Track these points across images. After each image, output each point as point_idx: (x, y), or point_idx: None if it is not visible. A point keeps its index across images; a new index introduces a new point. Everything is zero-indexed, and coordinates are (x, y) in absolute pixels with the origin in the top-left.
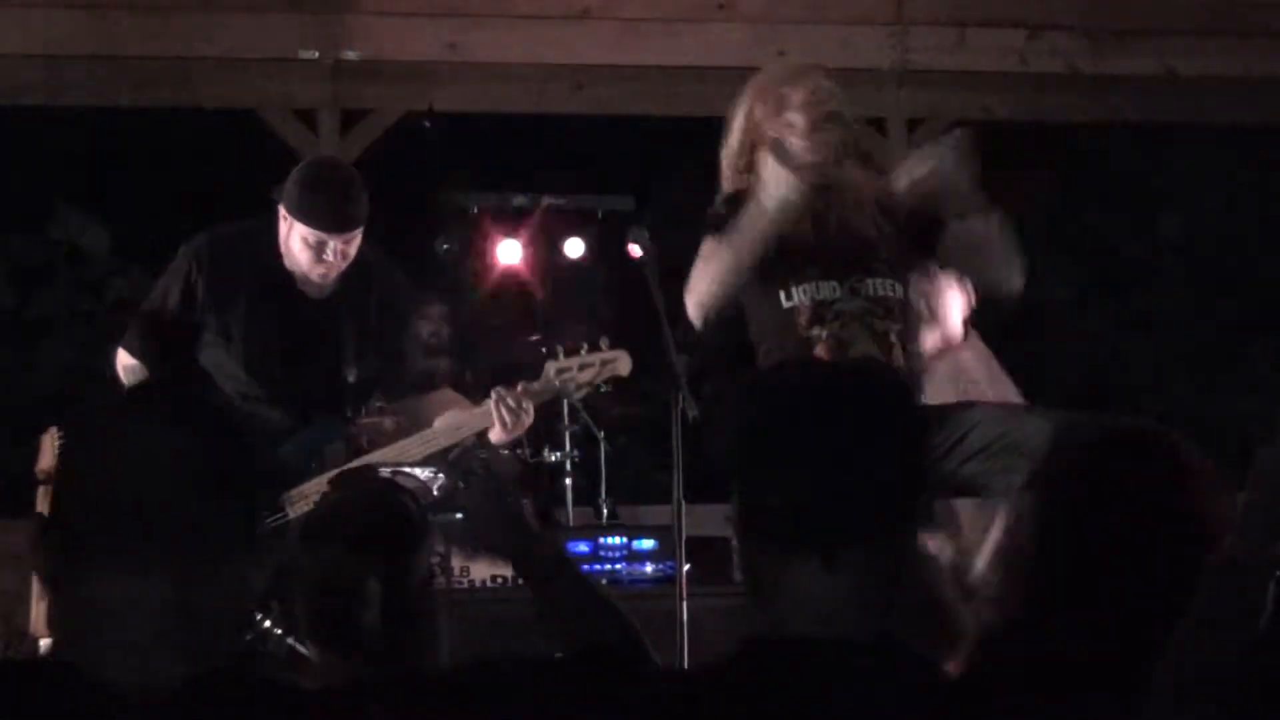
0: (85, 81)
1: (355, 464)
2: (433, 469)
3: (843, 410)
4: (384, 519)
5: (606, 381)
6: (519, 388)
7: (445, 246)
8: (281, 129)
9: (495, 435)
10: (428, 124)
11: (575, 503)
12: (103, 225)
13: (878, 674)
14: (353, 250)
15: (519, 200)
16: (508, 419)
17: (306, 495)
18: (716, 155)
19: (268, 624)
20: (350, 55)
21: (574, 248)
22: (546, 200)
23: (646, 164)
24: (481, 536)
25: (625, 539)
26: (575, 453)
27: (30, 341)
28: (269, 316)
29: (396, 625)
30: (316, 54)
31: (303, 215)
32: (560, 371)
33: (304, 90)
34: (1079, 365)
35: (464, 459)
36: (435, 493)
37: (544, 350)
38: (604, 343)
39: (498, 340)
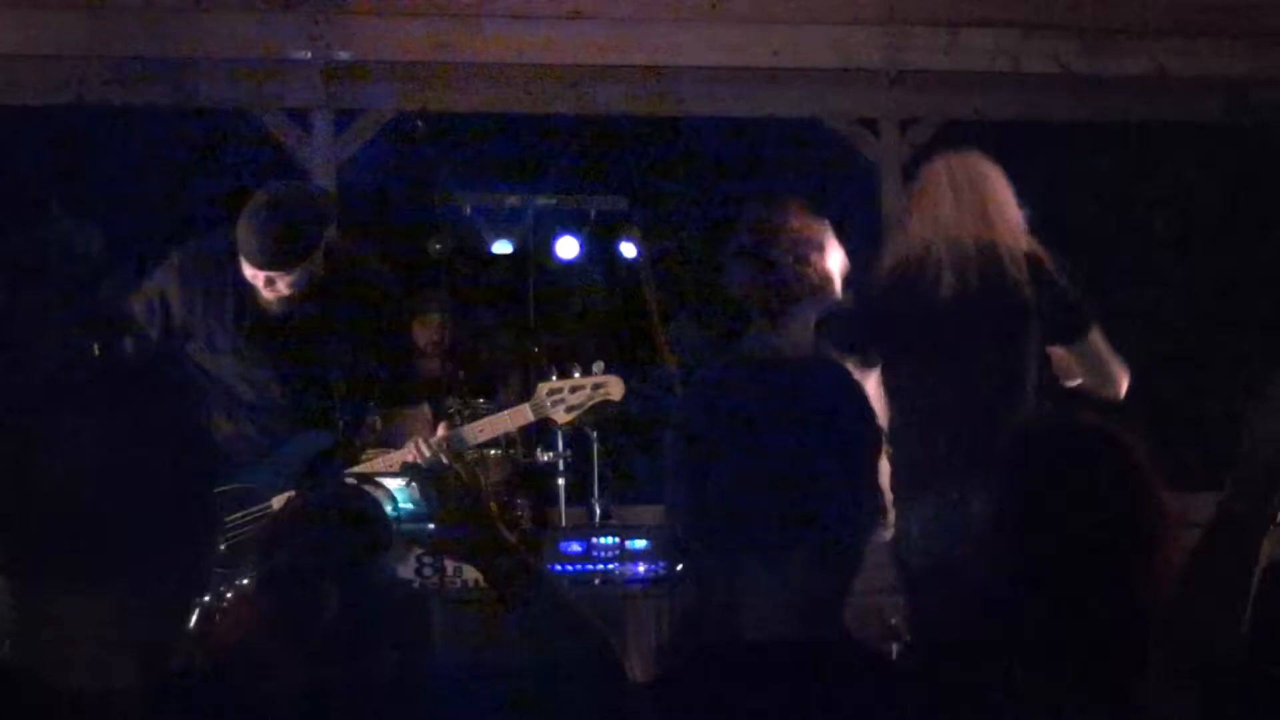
0: (80, 81)
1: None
2: (406, 478)
3: (786, 408)
4: (345, 522)
5: (596, 408)
6: (440, 434)
7: (438, 246)
8: (275, 129)
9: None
10: (420, 124)
11: (568, 503)
12: (96, 225)
13: (828, 672)
14: (298, 277)
15: (511, 200)
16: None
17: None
18: (709, 155)
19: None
20: (343, 56)
21: (567, 248)
22: (539, 200)
23: (639, 164)
24: (452, 548)
25: (618, 539)
26: (568, 452)
27: (22, 341)
28: (250, 328)
29: (355, 627)
30: (309, 54)
31: (240, 248)
32: (551, 393)
33: (297, 90)
34: None
35: (437, 469)
36: (410, 504)
37: (535, 350)
38: (597, 367)
39: (493, 341)
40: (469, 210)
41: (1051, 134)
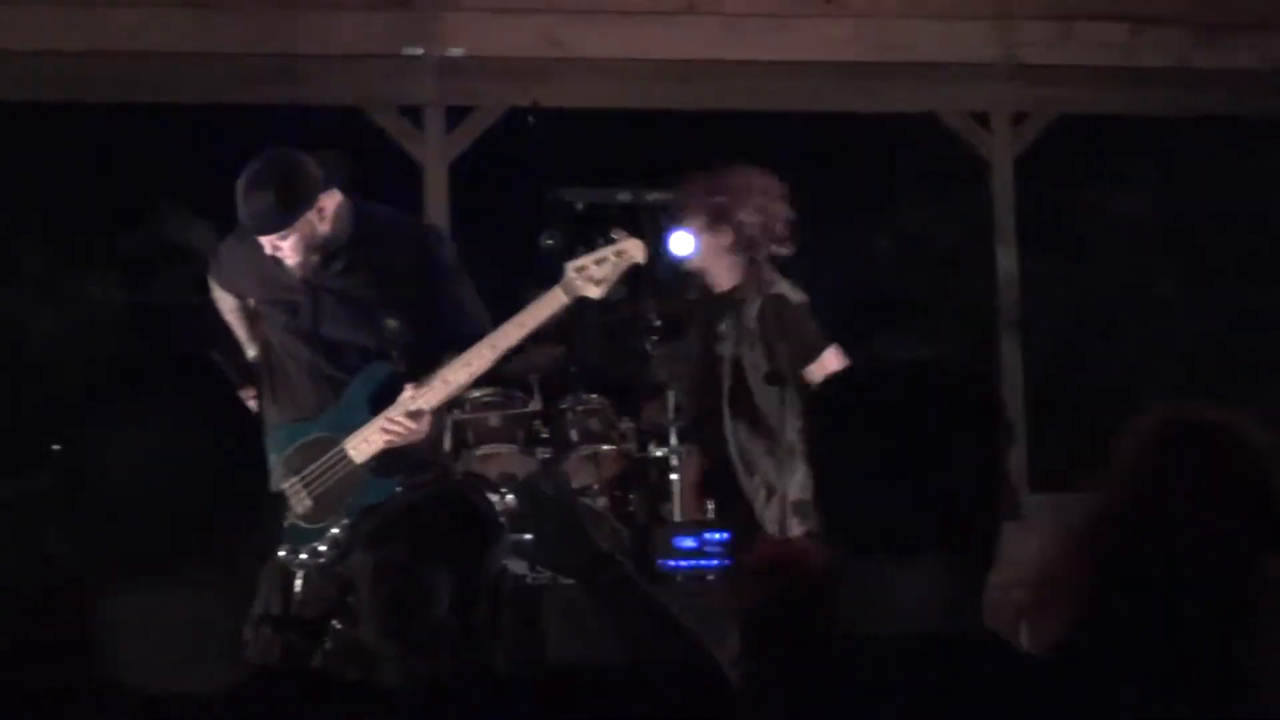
0: (193, 79)
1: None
2: (503, 490)
3: (919, 408)
4: (456, 516)
5: (622, 276)
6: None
7: (549, 241)
8: (387, 126)
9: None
10: (532, 119)
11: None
12: (209, 222)
13: (960, 669)
14: (303, 237)
15: (623, 196)
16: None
17: (367, 439)
18: (822, 149)
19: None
20: (455, 52)
21: (681, 243)
22: (651, 196)
23: (752, 160)
24: (549, 558)
25: (730, 535)
26: (681, 448)
27: (139, 338)
28: (277, 301)
29: (469, 622)
30: (422, 51)
31: (239, 215)
32: (579, 270)
33: (409, 87)
34: (1182, 362)
35: (532, 480)
36: (504, 516)
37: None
38: (616, 234)
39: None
40: (580, 206)
41: (1165, 128)
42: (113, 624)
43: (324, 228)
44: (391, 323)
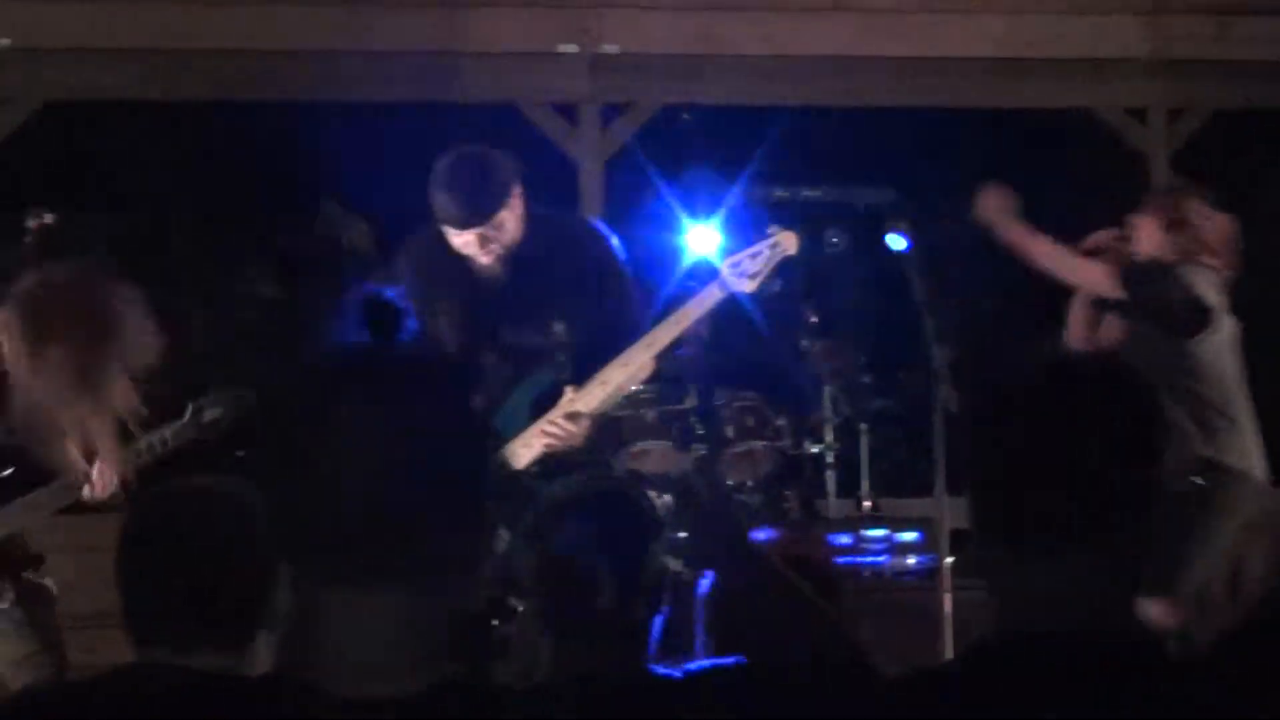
0: (350, 77)
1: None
2: (658, 490)
3: (1073, 405)
4: (619, 511)
5: (776, 270)
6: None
7: (834, 241)
8: (542, 123)
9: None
10: (687, 116)
11: (837, 495)
12: (368, 221)
13: (1112, 666)
14: (501, 234)
15: (778, 193)
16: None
17: (528, 443)
18: (976, 146)
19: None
20: (609, 49)
21: (833, 241)
22: (805, 193)
23: (907, 155)
24: (703, 557)
25: (888, 531)
26: (837, 445)
27: (299, 337)
28: (452, 299)
29: (629, 617)
30: (576, 48)
31: (439, 218)
32: (734, 266)
33: (564, 84)
34: None
35: (687, 481)
36: (661, 513)
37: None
38: (771, 229)
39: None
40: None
41: None
42: (320, 623)
43: (519, 219)
44: (559, 325)
